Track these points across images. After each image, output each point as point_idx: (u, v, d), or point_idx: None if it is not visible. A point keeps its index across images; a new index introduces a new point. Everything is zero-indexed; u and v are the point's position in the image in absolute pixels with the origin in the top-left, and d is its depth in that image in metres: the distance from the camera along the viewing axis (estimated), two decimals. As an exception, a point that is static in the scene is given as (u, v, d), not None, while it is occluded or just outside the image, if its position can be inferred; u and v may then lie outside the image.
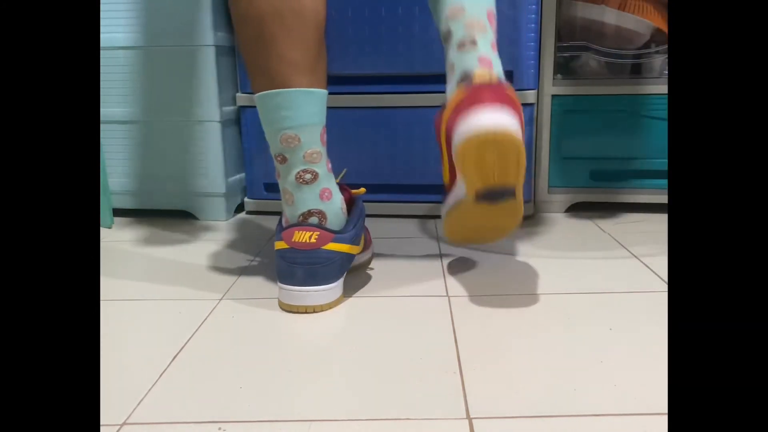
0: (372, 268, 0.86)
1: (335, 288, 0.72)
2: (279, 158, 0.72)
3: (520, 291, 0.76)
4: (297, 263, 0.69)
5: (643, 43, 1.16)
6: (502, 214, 0.71)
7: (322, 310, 0.71)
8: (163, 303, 0.75)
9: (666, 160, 1.12)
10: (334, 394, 0.53)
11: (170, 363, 0.59)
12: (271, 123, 0.70)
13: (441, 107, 0.73)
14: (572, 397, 0.51)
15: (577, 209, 1.18)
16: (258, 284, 0.80)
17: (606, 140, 1.14)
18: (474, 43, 0.70)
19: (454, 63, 0.72)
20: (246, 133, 1.18)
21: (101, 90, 1.13)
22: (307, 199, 0.71)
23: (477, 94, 0.66)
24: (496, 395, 0.52)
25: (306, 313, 0.70)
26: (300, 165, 0.71)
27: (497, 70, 0.71)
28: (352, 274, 0.83)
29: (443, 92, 1.07)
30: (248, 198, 1.22)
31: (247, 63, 0.72)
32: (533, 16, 1.07)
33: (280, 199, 1.21)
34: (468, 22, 0.71)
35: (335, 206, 0.73)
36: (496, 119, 0.64)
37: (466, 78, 0.69)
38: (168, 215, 1.19)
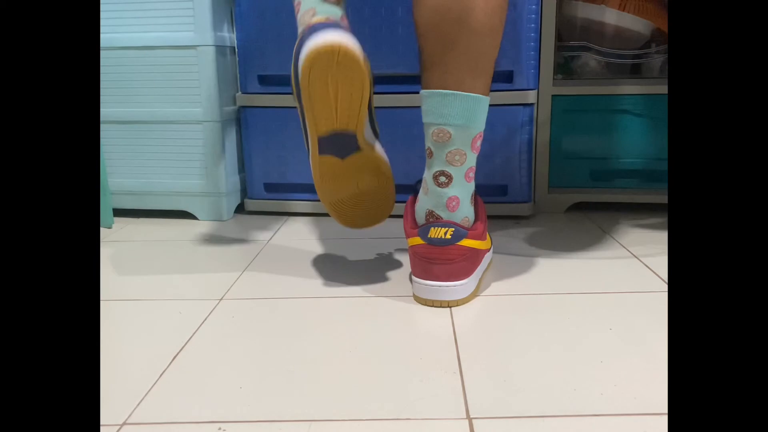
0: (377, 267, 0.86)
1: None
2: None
3: (521, 291, 0.76)
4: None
5: (643, 43, 1.16)
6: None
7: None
8: (163, 303, 0.75)
9: (666, 160, 1.12)
10: (334, 394, 0.53)
11: (170, 363, 0.59)
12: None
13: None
14: (572, 397, 0.51)
15: (577, 209, 1.18)
16: (258, 284, 0.80)
17: (606, 140, 1.14)
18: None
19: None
20: (246, 133, 1.18)
21: (101, 90, 1.13)
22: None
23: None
24: (496, 395, 0.52)
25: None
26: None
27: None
28: (352, 273, 0.83)
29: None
30: (248, 198, 1.22)
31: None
32: (533, 16, 1.07)
33: (279, 199, 1.21)
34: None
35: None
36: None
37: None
38: (168, 215, 1.19)
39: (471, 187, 0.74)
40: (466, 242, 0.71)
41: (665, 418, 0.48)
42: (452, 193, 0.72)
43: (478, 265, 0.75)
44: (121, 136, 1.15)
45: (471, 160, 0.72)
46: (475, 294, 0.74)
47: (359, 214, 0.82)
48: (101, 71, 1.12)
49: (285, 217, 1.18)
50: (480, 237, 0.74)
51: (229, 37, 1.16)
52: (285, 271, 0.85)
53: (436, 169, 0.71)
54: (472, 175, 0.73)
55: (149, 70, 1.11)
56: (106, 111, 1.14)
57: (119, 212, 1.19)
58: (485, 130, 1.10)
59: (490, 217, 1.12)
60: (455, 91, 0.69)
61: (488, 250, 0.81)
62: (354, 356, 0.60)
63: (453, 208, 0.72)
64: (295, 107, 1.15)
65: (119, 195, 1.18)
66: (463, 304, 0.72)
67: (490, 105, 1.09)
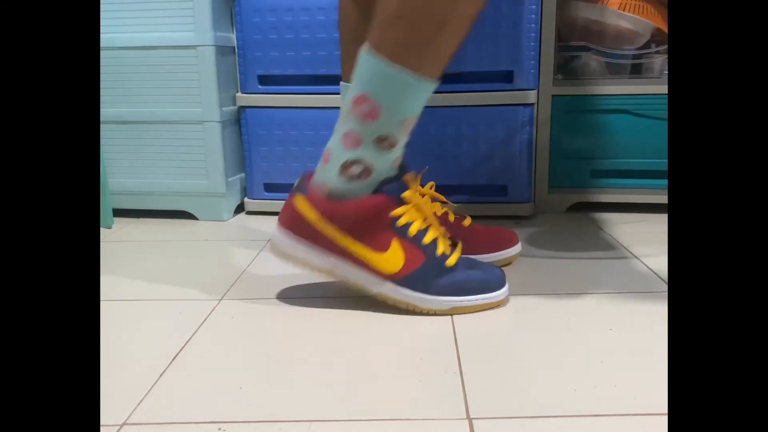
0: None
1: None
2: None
3: (521, 291, 0.76)
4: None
5: (643, 43, 1.16)
6: None
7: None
8: (163, 303, 0.75)
9: (666, 160, 1.12)
10: (334, 394, 0.53)
11: (170, 363, 0.59)
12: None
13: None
14: (572, 397, 0.51)
15: (577, 209, 1.17)
16: (258, 284, 0.80)
17: (606, 140, 1.14)
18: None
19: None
20: (246, 133, 1.18)
21: (101, 90, 1.13)
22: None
23: None
24: (496, 395, 0.52)
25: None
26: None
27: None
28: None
29: (443, 92, 1.08)
30: (248, 198, 1.22)
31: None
32: (533, 16, 1.07)
33: (279, 199, 1.21)
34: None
35: None
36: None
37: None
38: (168, 215, 1.19)
39: (344, 153, 0.67)
40: (299, 200, 0.69)
41: (665, 418, 0.48)
42: (328, 146, 0.69)
43: (307, 240, 0.70)
44: (121, 136, 1.15)
45: (349, 123, 0.66)
46: (293, 258, 0.71)
47: None
48: (101, 71, 1.12)
49: (285, 217, 1.18)
50: (323, 211, 0.68)
51: (229, 37, 1.16)
52: (285, 271, 0.85)
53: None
54: (347, 141, 0.67)
55: (149, 70, 1.11)
56: (106, 111, 1.14)
57: (119, 212, 1.19)
58: (485, 130, 1.10)
59: (490, 217, 1.12)
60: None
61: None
62: (354, 356, 0.60)
63: (324, 161, 0.69)
64: (293, 107, 1.15)
65: (119, 195, 1.18)
66: (279, 257, 0.72)
67: (490, 105, 1.10)
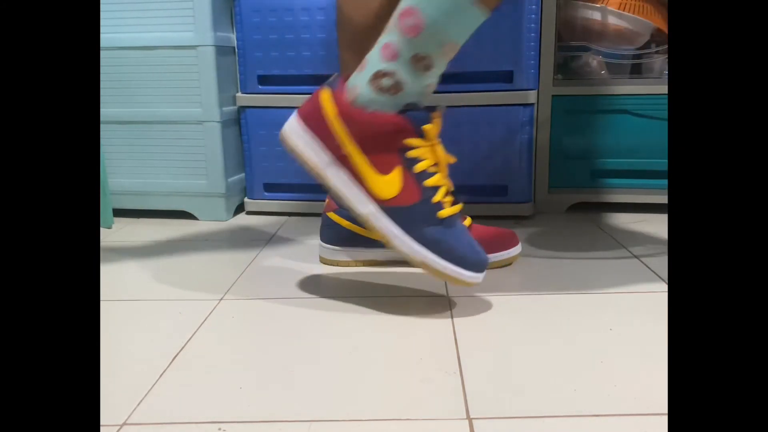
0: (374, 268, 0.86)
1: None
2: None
3: (520, 291, 0.76)
4: None
5: (643, 43, 1.16)
6: None
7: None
8: (163, 303, 0.75)
9: (666, 160, 1.12)
10: (334, 394, 0.53)
11: (170, 363, 0.59)
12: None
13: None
14: (572, 397, 0.51)
15: (577, 209, 1.17)
16: (258, 284, 0.80)
17: (606, 140, 1.14)
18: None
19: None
20: (246, 133, 1.18)
21: (101, 90, 1.13)
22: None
23: None
24: (496, 395, 0.52)
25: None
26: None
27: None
28: (351, 273, 0.83)
29: (443, 92, 1.08)
30: (248, 198, 1.22)
31: None
32: (533, 16, 1.07)
33: (279, 199, 1.21)
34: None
35: None
36: None
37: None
38: (168, 215, 1.19)
39: (379, 63, 0.66)
40: (324, 93, 0.69)
41: (665, 418, 0.48)
42: (367, 55, 0.68)
43: (316, 135, 0.69)
44: (121, 136, 1.15)
45: (391, 35, 0.66)
46: (297, 151, 0.70)
47: None
48: (101, 71, 1.12)
49: (285, 217, 1.18)
50: (342, 111, 0.67)
51: (229, 37, 1.16)
52: (285, 271, 0.85)
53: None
54: (386, 52, 0.66)
55: (149, 70, 1.11)
56: (106, 111, 1.14)
57: (119, 212, 1.19)
58: (485, 130, 1.10)
59: (490, 217, 1.12)
60: None
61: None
62: (354, 356, 0.60)
63: (360, 67, 0.68)
64: (293, 107, 1.15)
65: (119, 195, 1.18)
66: (286, 148, 0.71)
67: (490, 105, 1.10)
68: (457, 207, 0.70)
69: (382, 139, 0.67)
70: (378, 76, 0.66)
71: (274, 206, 1.20)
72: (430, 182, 0.68)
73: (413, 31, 0.64)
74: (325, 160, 0.69)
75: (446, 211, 0.68)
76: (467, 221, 0.85)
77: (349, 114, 0.67)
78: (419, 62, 0.65)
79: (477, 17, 0.64)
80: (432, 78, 0.67)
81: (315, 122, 0.69)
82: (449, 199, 0.71)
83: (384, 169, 0.67)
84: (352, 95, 0.68)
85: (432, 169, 0.69)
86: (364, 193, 0.68)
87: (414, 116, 0.67)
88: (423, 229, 0.67)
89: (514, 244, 0.86)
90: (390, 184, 0.67)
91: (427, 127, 0.67)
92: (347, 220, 0.86)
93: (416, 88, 0.66)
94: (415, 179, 0.68)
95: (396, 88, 0.66)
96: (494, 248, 0.85)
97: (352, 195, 0.68)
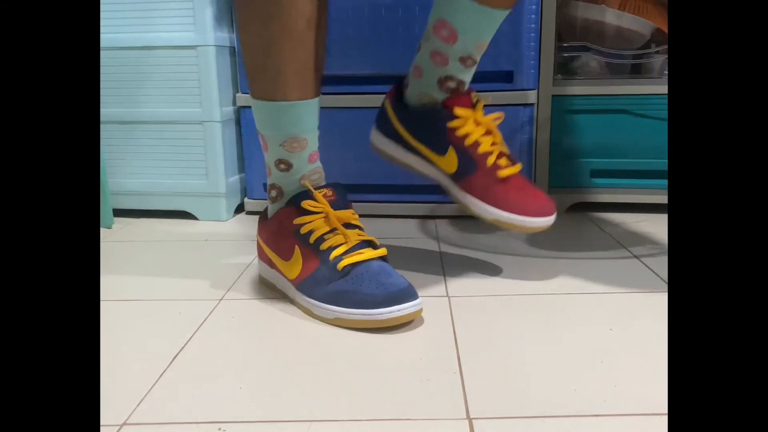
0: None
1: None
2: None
3: (520, 291, 0.76)
4: None
5: (643, 43, 1.16)
6: None
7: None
8: (163, 303, 0.75)
9: (666, 160, 1.12)
10: (334, 394, 0.53)
11: (170, 363, 0.59)
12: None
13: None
14: (572, 397, 0.51)
15: (577, 209, 1.17)
16: (258, 284, 0.80)
17: (606, 140, 1.14)
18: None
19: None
20: (246, 133, 1.18)
21: (102, 90, 1.13)
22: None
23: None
24: (496, 395, 0.52)
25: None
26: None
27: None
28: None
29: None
30: (248, 198, 1.22)
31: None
32: (533, 16, 1.07)
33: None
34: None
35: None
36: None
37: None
38: (168, 215, 1.19)
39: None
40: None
41: (665, 418, 0.48)
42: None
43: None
44: (121, 137, 1.15)
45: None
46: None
47: None
48: (101, 71, 1.12)
49: (285, 217, 1.18)
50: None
51: (229, 37, 1.16)
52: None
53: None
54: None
55: (149, 70, 1.11)
56: (106, 111, 1.14)
57: (119, 212, 1.19)
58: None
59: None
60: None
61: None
62: (354, 356, 0.60)
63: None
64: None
65: (119, 195, 1.18)
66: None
67: (490, 105, 1.10)
68: (356, 255, 0.69)
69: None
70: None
71: (274, 206, 1.20)
72: (324, 245, 0.69)
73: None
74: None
75: (343, 263, 0.68)
76: (515, 168, 0.79)
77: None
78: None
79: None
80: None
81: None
82: (345, 246, 0.70)
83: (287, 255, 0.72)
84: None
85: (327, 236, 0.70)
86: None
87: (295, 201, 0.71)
88: (326, 287, 0.68)
89: (537, 214, 0.77)
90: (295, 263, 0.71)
91: (306, 202, 0.70)
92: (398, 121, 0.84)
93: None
94: (308, 247, 0.70)
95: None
96: (516, 207, 0.77)
97: None
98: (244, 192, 1.24)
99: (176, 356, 0.60)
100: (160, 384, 0.55)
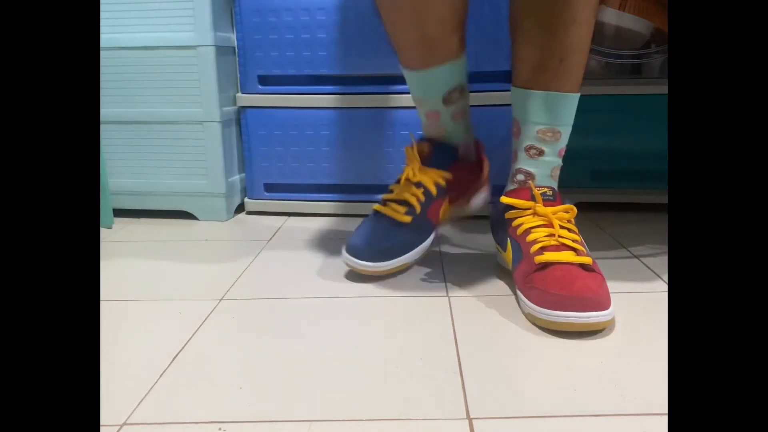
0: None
1: None
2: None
3: (520, 291, 0.76)
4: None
5: (643, 43, 1.16)
6: None
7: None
8: (163, 303, 0.75)
9: (666, 160, 1.12)
10: (334, 394, 0.53)
11: (170, 363, 0.59)
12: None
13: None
14: (572, 397, 0.51)
15: (577, 209, 1.17)
16: (258, 284, 0.80)
17: (606, 140, 1.14)
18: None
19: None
20: (246, 134, 1.18)
21: (102, 90, 1.13)
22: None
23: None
24: (496, 395, 0.52)
25: None
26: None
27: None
28: (351, 273, 0.83)
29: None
30: (248, 198, 1.22)
31: None
32: (533, 16, 1.06)
33: (279, 199, 1.21)
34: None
35: None
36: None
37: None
38: (168, 215, 1.19)
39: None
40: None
41: (665, 418, 0.48)
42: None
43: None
44: (121, 136, 1.15)
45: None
46: None
47: None
48: (101, 71, 1.12)
49: (285, 217, 1.18)
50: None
51: (229, 37, 1.16)
52: (285, 271, 0.85)
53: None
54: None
55: (149, 70, 1.11)
56: (106, 111, 1.14)
57: (119, 212, 1.19)
58: (485, 130, 1.10)
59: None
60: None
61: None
62: (354, 356, 0.60)
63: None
64: (293, 107, 1.15)
65: (119, 195, 1.18)
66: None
67: (490, 105, 1.10)
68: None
69: None
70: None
71: (274, 206, 1.20)
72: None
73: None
74: None
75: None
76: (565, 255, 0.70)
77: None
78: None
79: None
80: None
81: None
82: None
83: None
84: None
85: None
86: None
87: None
88: None
89: (594, 308, 0.62)
90: None
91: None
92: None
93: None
94: None
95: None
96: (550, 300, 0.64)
97: None
98: (244, 192, 1.24)
99: (176, 356, 0.60)
100: (160, 384, 0.55)
